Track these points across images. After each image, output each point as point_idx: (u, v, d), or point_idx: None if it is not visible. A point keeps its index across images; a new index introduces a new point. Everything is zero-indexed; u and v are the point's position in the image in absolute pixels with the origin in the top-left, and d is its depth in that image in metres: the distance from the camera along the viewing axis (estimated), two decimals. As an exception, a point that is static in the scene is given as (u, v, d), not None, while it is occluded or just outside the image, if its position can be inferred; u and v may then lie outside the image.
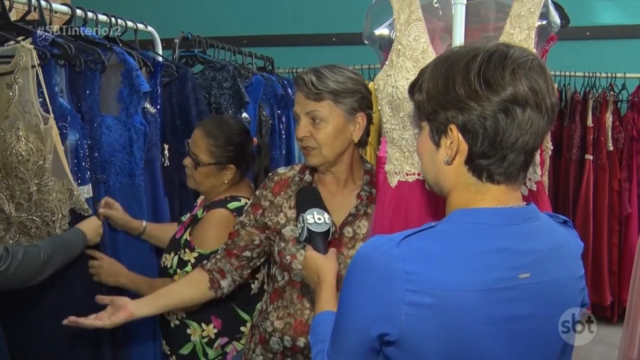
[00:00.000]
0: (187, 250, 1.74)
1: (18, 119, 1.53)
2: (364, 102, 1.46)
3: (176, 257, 1.76)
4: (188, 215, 1.92)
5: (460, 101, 0.90)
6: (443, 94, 0.92)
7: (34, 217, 1.63)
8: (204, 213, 1.77)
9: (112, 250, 1.87)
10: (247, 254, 1.57)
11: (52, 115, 1.57)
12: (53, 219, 1.63)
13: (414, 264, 0.89)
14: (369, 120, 1.49)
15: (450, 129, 0.92)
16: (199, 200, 1.95)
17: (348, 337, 0.95)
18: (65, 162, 1.62)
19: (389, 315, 0.89)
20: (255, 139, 1.89)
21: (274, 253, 1.54)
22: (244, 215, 1.59)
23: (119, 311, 1.44)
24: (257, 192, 1.59)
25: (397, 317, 0.88)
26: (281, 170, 1.60)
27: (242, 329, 1.76)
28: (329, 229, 1.31)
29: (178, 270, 1.73)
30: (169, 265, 1.78)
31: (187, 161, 1.82)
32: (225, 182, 1.80)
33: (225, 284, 1.57)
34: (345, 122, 1.44)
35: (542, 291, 0.93)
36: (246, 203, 1.72)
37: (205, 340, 1.76)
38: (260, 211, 1.55)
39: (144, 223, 1.89)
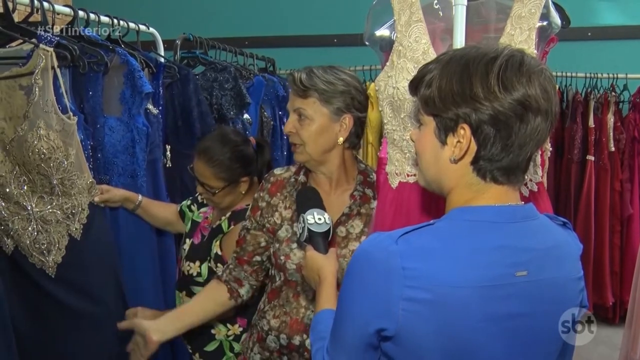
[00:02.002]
0: (219, 264, 1.77)
1: (39, 118, 1.58)
2: (353, 103, 1.46)
3: (206, 267, 1.79)
4: (196, 210, 1.93)
5: (476, 101, 0.90)
6: (458, 92, 0.92)
7: (56, 210, 1.66)
8: (231, 226, 1.79)
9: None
10: (258, 258, 1.58)
11: (70, 112, 1.63)
12: (74, 212, 1.67)
13: (411, 260, 0.90)
14: (359, 122, 1.49)
15: (462, 128, 0.92)
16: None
17: (347, 333, 0.96)
18: (84, 157, 1.68)
19: (386, 310, 0.90)
20: (252, 138, 1.91)
21: (271, 254, 1.55)
22: (247, 220, 1.61)
23: (146, 345, 1.46)
24: (255, 195, 1.61)
25: (394, 313, 0.89)
26: (277, 171, 1.61)
27: None
28: (329, 229, 1.32)
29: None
30: (194, 274, 1.81)
31: (201, 189, 1.84)
32: (243, 192, 1.84)
33: (243, 291, 1.59)
34: (330, 122, 1.45)
35: (539, 289, 0.94)
36: None
37: (231, 337, 1.80)
38: (258, 213, 1.57)
39: (140, 197, 1.89)
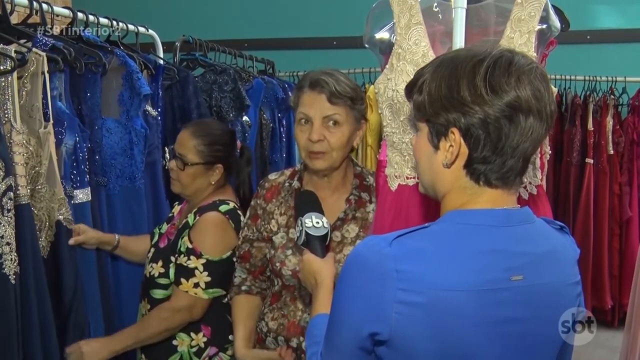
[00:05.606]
0: (191, 257, 1.67)
1: (23, 122, 1.55)
2: (364, 109, 1.50)
3: (172, 267, 1.70)
4: (165, 225, 1.85)
5: (464, 104, 0.90)
6: (446, 96, 0.91)
7: None
8: (197, 218, 1.71)
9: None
10: (268, 273, 1.59)
11: (51, 121, 1.58)
12: (40, 227, 1.59)
13: (405, 263, 0.89)
14: None
15: (452, 132, 0.92)
16: (176, 210, 1.89)
17: (340, 337, 0.95)
18: (57, 170, 1.59)
19: (380, 314, 0.89)
20: (239, 143, 1.87)
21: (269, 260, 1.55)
22: (247, 228, 1.60)
23: None
24: (252, 203, 1.61)
25: (388, 316, 0.88)
26: (272, 176, 1.61)
27: (231, 337, 1.69)
28: (327, 233, 1.31)
29: (182, 280, 1.66)
30: (156, 274, 1.72)
31: (173, 164, 1.78)
32: (212, 183, 1.76)
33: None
34: (355, 128, 1.48)
35: (535, 294, 0.93)
36: (235, 207, 1.72)
37: (194, 349, 1.71)
38: (258, 221, 1.57)
39: (117, 236, 1.83)
